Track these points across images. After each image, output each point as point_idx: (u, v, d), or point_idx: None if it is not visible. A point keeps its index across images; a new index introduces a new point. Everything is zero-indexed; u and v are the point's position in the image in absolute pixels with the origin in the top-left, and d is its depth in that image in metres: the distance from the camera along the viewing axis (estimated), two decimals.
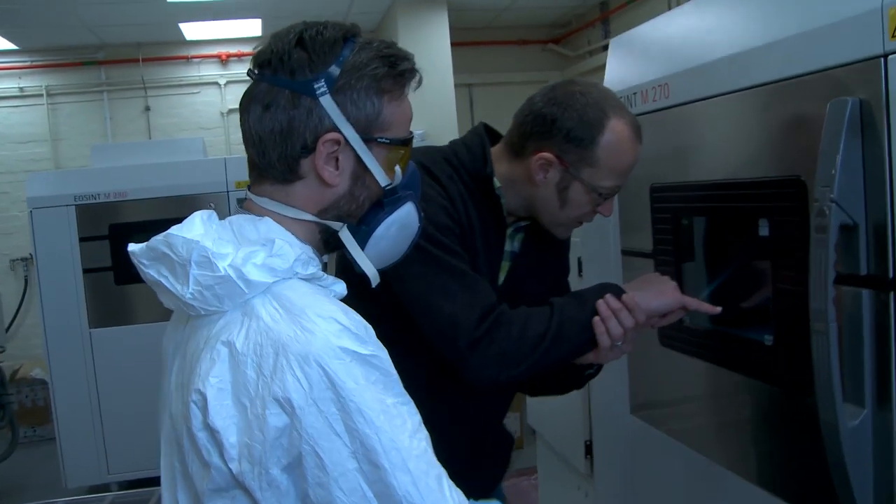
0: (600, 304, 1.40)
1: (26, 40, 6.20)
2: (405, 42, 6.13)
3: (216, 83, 6.87)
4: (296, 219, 0.99)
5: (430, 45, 5.63)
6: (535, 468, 3.21)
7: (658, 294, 1.45)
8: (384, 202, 1.02)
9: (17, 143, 6.54)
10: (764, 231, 1.36)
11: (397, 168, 1.02)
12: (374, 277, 1.04)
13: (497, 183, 1.49)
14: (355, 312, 0.93)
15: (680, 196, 1.63)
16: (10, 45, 6.21)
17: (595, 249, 2.08)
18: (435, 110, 5.44)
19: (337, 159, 0.97)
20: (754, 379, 1.45)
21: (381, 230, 1.02)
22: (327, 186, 0.98)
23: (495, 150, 1.53)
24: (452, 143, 1.54)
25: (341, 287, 1.01)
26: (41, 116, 6.54)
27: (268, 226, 0.96)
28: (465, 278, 1.37)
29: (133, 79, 6.66)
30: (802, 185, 1.25)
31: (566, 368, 1.53)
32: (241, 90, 1.03)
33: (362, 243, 1.02)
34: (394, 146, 1.01)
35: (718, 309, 1.45)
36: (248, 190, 1.03)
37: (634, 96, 1.75)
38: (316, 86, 0.94)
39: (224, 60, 6.82)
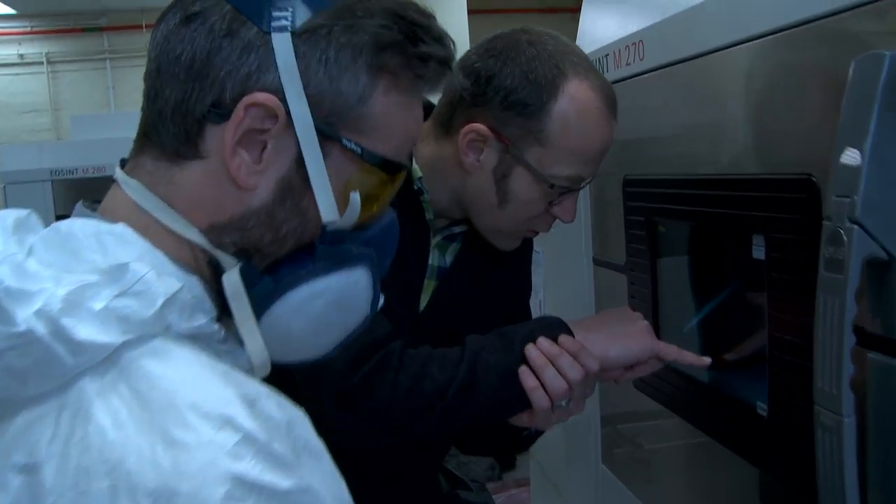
0: (530, 349, 0.99)
1: (25, 4, 5.94)
2: None
3: None
4: (170, 230, 0.60)
5: (444, 13, 5.16)
6: (528, 479, 2.87)
7: (620, 337, 1.04)
8: (318, 250, 0.62)
9: (17, 112, 6.33)
10: (758, 251, 0.93)
11: (355, 198, 0.62)
12: (260, 365, 0.62)
13: (417, 172, 1.08)
14: (280, 400, 0.54)
15: (655, 194, 1.20)
16: (8, 10, 5.96)
17: (559, 257, 1.66)
18: None
19: (264, 145, 0.59)
20: (742, 458, 1.02)
21: (297, 297, 0.61)
22: (235, 187, 0.59)
23: (422, 129, 1.12)
24: None
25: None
26: (42, 85, 6.32)
27: (121, 237, 0.58)
28: None
29: (137, 46, 6.33)
30: (814, 188, 0.82)
31: (494, 427, 1.12)
32: None
33: (260, 307, 0.61)
34: (368, 164, 0.62)
35: (707, 360, 1.04)
36: (120, 167, 0.64)
37: (606, 59, 1.32)
38: (276, 13, 0.58)
39: None
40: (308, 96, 0.59)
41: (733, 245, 1.04)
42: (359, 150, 0.61)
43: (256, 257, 0.62)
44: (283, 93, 0.58)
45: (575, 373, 0.98)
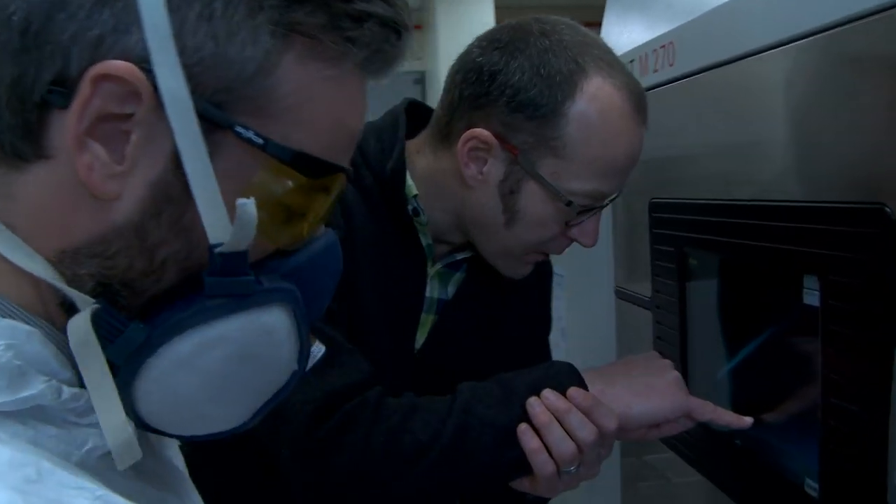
0: (534, 403, 0.83)
1: None
2: (444, 23, 5.56)
3: None
4: (7, 261, 0.44)
5: (472, 26, 5.06)
6: None
7: (645, 392, 0.87)
8: (207, 284, 0.45)
9: None
10: (811, 296, 0.76)
11: (247, 207, 0.44)
12: (120, 446, 0.44)
13: (412, 190, 0.92)
14: None
15: (686, 221, 1.03)
16: None
17: (577, 285, 1.49)
18: None
19: (127, 137, 0.43)
20: None
21: (179, 349, 0.44)
22: (89, 196, 0.43)
23: (419, 140, 0.97)
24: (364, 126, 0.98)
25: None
26: None
27: None
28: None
29: None
30: (888, 221, 0.65)
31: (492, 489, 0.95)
32: None
33: (130, 364, 0.44)
34: (277, 161, 0.46)
35: (748, 421, 0.88)
36: None
37: (630, 65, 1.15)
38: None
39: None
40: (185, 66, 0.42)
41: (779, 285, 0.87)
42: (261, 141, 0.44)
43: (125, 293, 0.45)
44: (150, 62, 0.41)
45: (586, 433, 0.81)
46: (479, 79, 0.87)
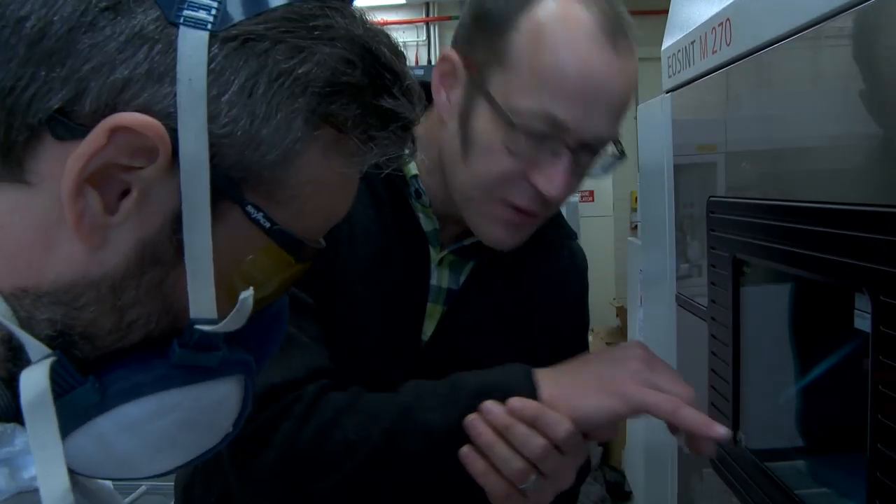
0: (473, 421, 0.73)
1: None
2: None
3: None
4: None
5: None
6: None
7: (595, 388, 0.75)
8: (175, 354, 0.42)
9: None
10: (862, 321, 0.63)
11: (246, 301, 0.42)
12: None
13: (412, 170, 0.85)
14: None
15: (743, 224, 0.90)
16: None
17: (648, 288, 1.36)
18: None
19: (126, 190, 0.39)
20: None
21: (131, 412, 0.41)
22: (69, 239, 0.39)
23: (429, 116, 0.86)
24: None
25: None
26: None
27: None
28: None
29: None
30: None
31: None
32: None
33: (72, 421, 0.41)
34: (273, 243, 0.43)
35: (723, 432, 0.72)
36: None
37: (692, 47, 1.03)
38: None
39: None
40: (212, 135, 0.38)
41: (838, 303, 0.74)
42: (268, 225, 0.42)
43: (84, 346, 0.41)
44: (176, 120, 0.38)
45: (534, 447, 0.70)
46: (462, 10, 0.83)
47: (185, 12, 0.38)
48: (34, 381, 0.39)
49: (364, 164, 0.45)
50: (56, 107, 0.37)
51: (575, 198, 4.08)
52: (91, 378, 0.41)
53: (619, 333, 3.68)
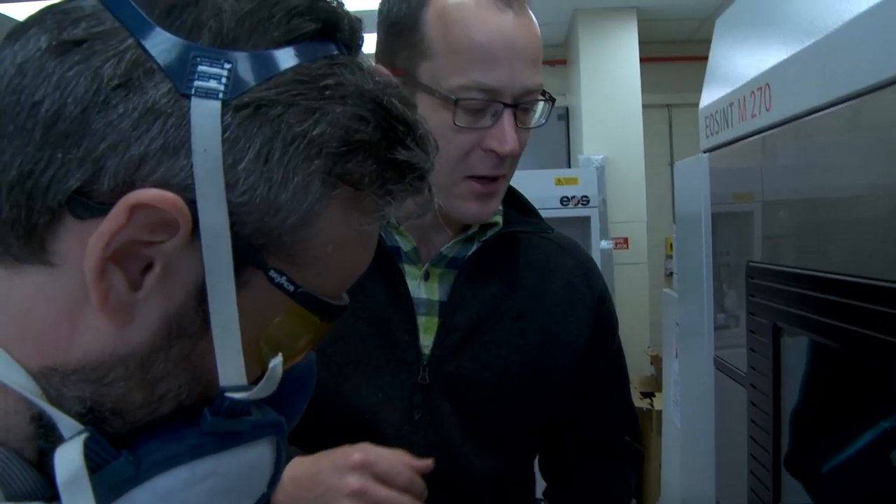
0: None
1: None
2: (587, 56, 5.48)
3: None
4: None
5: (617, 60, 4.92)
6: None
7: None
8: (208, 423, 0.42)
9: None
10: None
11: (276, 369, 0.43)
12: None
13: None
14: None
15: (783, 293, 0.88)
16: None
17: (685, 347, 1.34)
18: (619, 133, 4.72)
19: (148, 264, 0.39)
20: None
21: (166, 483, 0.41)
22: (94, 318, 0.39)
23: None
24: None
25: None
26: None
27: None
28: None
29: None
30: None
31: None
32: None
33: (108, 497, 0.40)
34: (297, 306, 0.43)
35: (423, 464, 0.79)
36: None
37: (730, 109, 1.02)
38: (204, 66, 0.39)
39: None
40: (231, 204, 0.38)
41: (884, 379, 0.71)
42: (292, 289, 0.41)
43: (115, 422, 0.41)
44: (194, 192, 0.38)
45: None
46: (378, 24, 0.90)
47: (196, 83, 0.38)
48: (69, 458, 0.39)
49: (383, 219, 0.45)
50: (75, 187, 0.38)
51: (608, 245, 4.05)
52: (125, 452, 0.40)
53: (654, 383, 3.61)
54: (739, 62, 1.05)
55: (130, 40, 0.38)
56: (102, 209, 0.37)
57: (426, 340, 0.90)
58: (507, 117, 0.83)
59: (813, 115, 0.80)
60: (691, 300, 1.34)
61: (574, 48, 5.07)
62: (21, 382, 0.39)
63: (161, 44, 0.38)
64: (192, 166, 0.38)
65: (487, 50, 0.81)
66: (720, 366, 1.16)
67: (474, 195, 0.87)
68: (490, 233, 0.93)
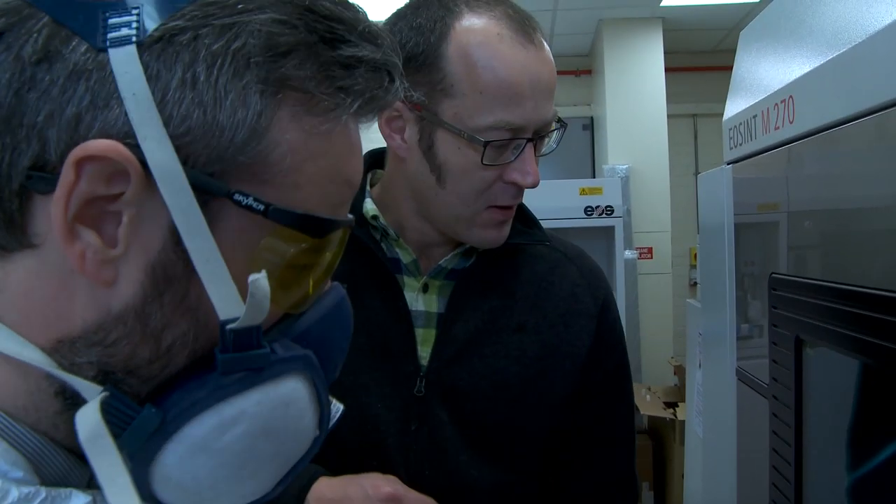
0: None
1: None
2: (612, 66, 5.46)
3: None
4: None
5: (642, 71, 4.91)
6: None
7: None
8: (218, 361, 0.42)
9: None
10: None
11: (259, 282, 0.42)
12: None
13: (370, 213, 0.92)
14: None
15: (806, 305, 0.88)
16: None
17: (708, 357, 1.34)
18: (644, 143, 4.70)
19: (119, 218, 0.40)
20: None
21: (197, 432, 0.42)
22: (84, 283, 0.41)
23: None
24: None
25: None
26: None
27: None
28: None
29: None
30: None
31: None
32: None
33: (144, 452, 0.42)
34: (280, 226, 0.43)
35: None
36: None
37: (753, 121, 1.03)
38: (113, 18, 0.40)
39: None
40: (173, 137, 0.39)
41: None
42: (261, 207, 0.41)
43: (131, 381, 0.42)
44: (135, 136, 0.39)
45: None
46: None
47: (109, 35, 0.39)
48: (87, 417, 0.40)
49: (341, 116, 0.44)
50: (29, 165, 0.39)
51: (633, 254, 4.04)
52: (147, 405, 0.41)
53: (677, 393, 3.59)
54: (763, 74, 1.05)
55: (46, 18, 0.39)
56: (57, 178, 0.38)
57: (424, 352, 0.91)
58: (529, 151, 0.85)
59: (837, 128, 0.81)
60: (714, 310, 1.35)
61: (599, 58, 5.07)
62: (38, 358, 0.41)
63: (71, 12, 0.40)
64: (126, 113, 0.38)
65: (515, 90, 0.82)
66: (742, 377, 1.16)
67: (495, 223, 0.89)
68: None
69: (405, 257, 0.93)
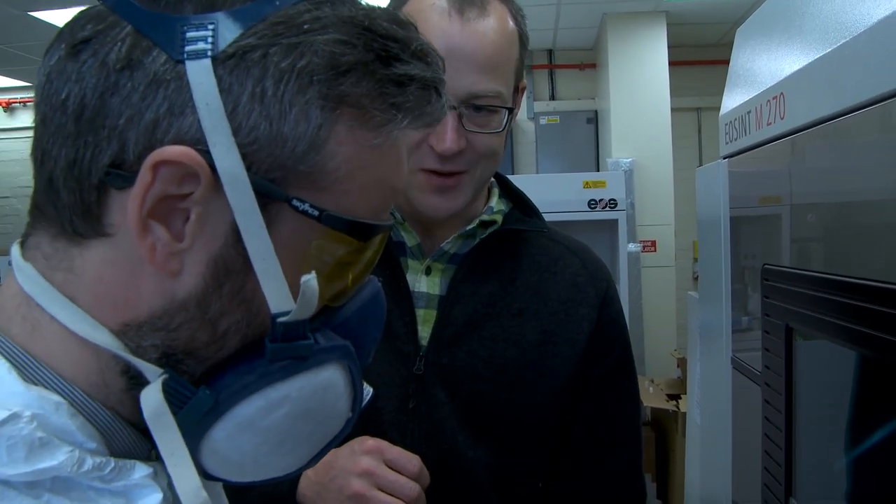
0: None
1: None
2: (616, 60, 5.45)
3: None
4: (70, 332, 0.46)
5: (646, 64, 4.92)
6: None
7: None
8: (268, 349, 0.47)
9: None
10: None
11: (310, 284, 0.46)
12: None
13: None
14: None
15: (797, 295, 0.91)
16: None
17: (706, 349, 1.37)
18: (648, 136, 4.72)
19: (187, 215, 0.44)
20: None
21: (246, 412, 0.47)
22: (151, 272, 0.45)
23: None
24: None
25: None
26: None
27: None
28: None
29: None
30: None
31: None
32: None
33: (196, 429, 0.47)
34: (331, 230, 0.47)
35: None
36: (19, 245, 0.50)
37: (748, 117, 1.06)
38: (191, 32, 0.43)
39: None
40: (240, 146, 0.43)
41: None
42: (316, 213, 0.46)
43: (189, 362, 0.47)
44: (206, 143, 0.43)
45: None
46: None
47: (187, 48, 0.43)
48: (150, 396, 0.46)
49: (392, 131, 0.48)
50: (108, 163, 0.44)
51: (636, 248, 4.06)
52: (202, 387, 0.46)
53: (680, 385, 3.62)
54: (757, 71, 1.08)
55: (128, 28, 0.44)
56: (134, 176, 0.43)
57: (424, 332, 0.94)
58: (449, 118, 0.86)
59: (825, 123, 0.84)
60: (712, 303, 1.37)
61: (603, 52, 5.08)
62: (108, 341, 0.45)
63: (152, 24, 0.44)
64: (199, 121, 0.43)
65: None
66: (739, 366, 1.19)
67: (431, 188, 0.90)
68: (490, 230, 0.97)
69: (409, 240, 0.96)
